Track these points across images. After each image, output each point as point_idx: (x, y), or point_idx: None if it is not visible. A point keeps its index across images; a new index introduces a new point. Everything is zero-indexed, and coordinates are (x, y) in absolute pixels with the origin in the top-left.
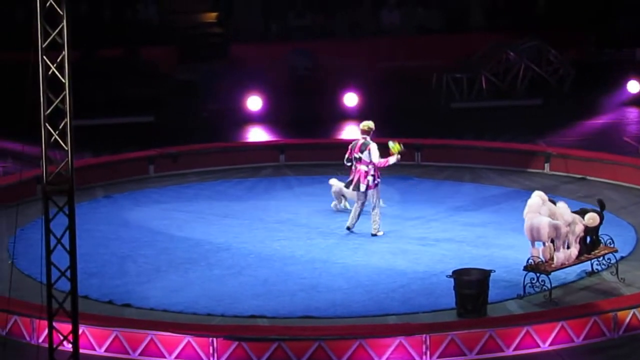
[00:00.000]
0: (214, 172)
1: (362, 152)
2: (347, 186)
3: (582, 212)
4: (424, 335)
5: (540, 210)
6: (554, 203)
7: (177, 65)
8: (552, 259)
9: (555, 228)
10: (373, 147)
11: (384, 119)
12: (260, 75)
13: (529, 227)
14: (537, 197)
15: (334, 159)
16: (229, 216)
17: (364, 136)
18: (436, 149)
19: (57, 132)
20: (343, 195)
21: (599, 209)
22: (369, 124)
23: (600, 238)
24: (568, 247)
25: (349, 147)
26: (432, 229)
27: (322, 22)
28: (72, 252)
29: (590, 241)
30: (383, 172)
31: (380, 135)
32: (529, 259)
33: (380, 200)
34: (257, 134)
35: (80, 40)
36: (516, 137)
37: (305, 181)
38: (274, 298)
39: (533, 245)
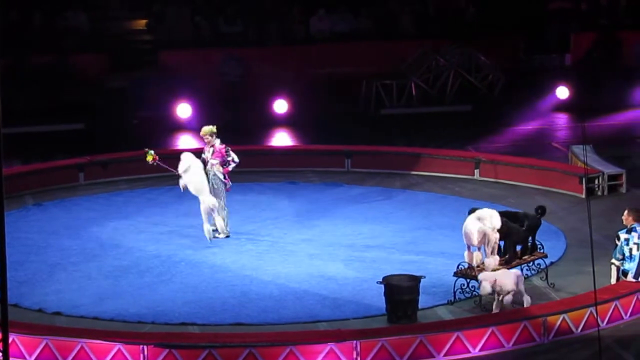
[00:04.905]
0: (144, 180)
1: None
2: None
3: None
4: (355, 342)
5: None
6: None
7: (107, 72)
8: (482, 264)
9: (484, 234)
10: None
11: (314, 126)
12: (191, 82)
13: (463, 232)
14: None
15: (264, 166)
16: (160, 224)
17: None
18: (366, 155)
19: None
20: None
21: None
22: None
23: (536, 242)
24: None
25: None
26: (362, 235)
27: (252, 29)
28: (2, 260)
29: (530, 244)
30: (314, 179)
31: (310, 143)
32: (459, 265)
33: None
34: (187, 141)
35: (9, 47)
36: (446, 143)
37: (235, 188)
38: (204, 305)
39: (469, 249)
